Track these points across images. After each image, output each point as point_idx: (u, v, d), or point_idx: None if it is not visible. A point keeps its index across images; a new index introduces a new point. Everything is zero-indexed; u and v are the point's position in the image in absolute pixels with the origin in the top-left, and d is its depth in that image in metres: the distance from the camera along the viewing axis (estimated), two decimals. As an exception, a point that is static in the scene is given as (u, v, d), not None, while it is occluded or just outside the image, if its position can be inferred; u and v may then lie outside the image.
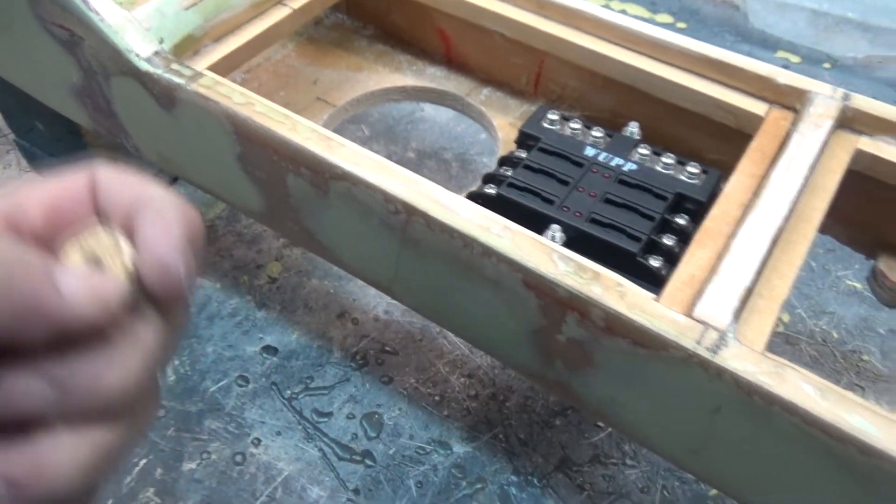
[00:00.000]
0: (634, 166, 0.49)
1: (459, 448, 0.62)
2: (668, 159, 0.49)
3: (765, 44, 1.09)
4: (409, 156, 0.86)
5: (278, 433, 0.62)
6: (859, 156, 0.47)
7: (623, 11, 1.10)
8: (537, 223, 0.46)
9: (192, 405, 0.64)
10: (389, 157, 0.44)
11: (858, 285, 0.76)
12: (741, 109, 0.50)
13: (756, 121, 0.49)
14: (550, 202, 0.47)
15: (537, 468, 0.61)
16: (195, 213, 0.20)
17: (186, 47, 0.51)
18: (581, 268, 0.38)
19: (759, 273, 0.39)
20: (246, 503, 0.58)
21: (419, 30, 0.65)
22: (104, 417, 0.18)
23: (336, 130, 0.55)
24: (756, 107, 0.50)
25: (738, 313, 0.37)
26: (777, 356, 0.35)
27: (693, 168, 0.49)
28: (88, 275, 0.18)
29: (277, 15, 0.55)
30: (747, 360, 0.34)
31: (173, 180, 0.73)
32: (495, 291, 0.41)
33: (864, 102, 0.48)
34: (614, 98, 0.57)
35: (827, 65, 1.06)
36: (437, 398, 0.65)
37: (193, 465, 0.60)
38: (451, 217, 0.40)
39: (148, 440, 0.61)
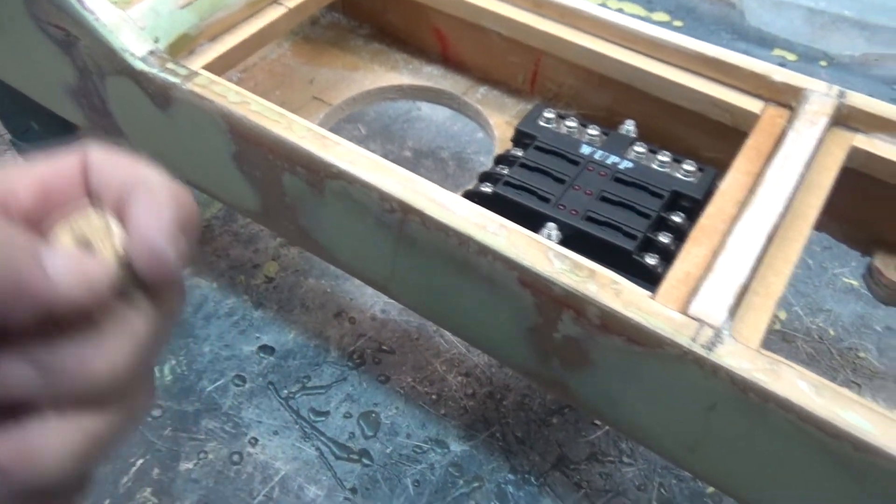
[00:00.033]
0: (630, 164, 0.49)
1: (456, 447, 0.62)
2: (664, 157, 0.49)
3: (761, 42, 1.09)
4: (406, 154, 0.86)
5: (275, 432, 0.62)
6: (855, 153, 0.47)
7: (620, 10, 1.09)
8: (533, 221, 0.46)
9: (189, 405, 0.64)
10: (386, 156, 0.44)
11: (855, 283, 0.76)
12: (737, 107, 0.50)
13: (752, 118, 0.49)
14: (547, 200, 0.47)
15: (534, 466, 0.61)
16: (188, 196, 0.20)
17: (182, 46, 0.51)
18: (576, 266, 0.38)
19: (755, 270, 0.39)
20: (243, 503, 0.58)
21: (415, 28, 0.65)
22: (94, 404, 0.18)
23: (332, 129, 0.54)
24: (752, 104, 0.50)
25: (734, 310, 0.37)
26: (773, 353, 0.35)
27: (689, 166, 0.49)
28: (76, 256, 0.18)
29: (273, 14, 0.55)
30: (742, 357, 0.34)
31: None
32: (491, 289, 0.41)
33: (860, 100, 0.48)
34: (610, 96, 0.57)
35: (823, 63, 1.06)
36: (434, 397, 0.65)
37: (190, 465, 0.60)
38: (447, 215, 0.40)
39: (145, 440, 0.61)
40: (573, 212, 0.47)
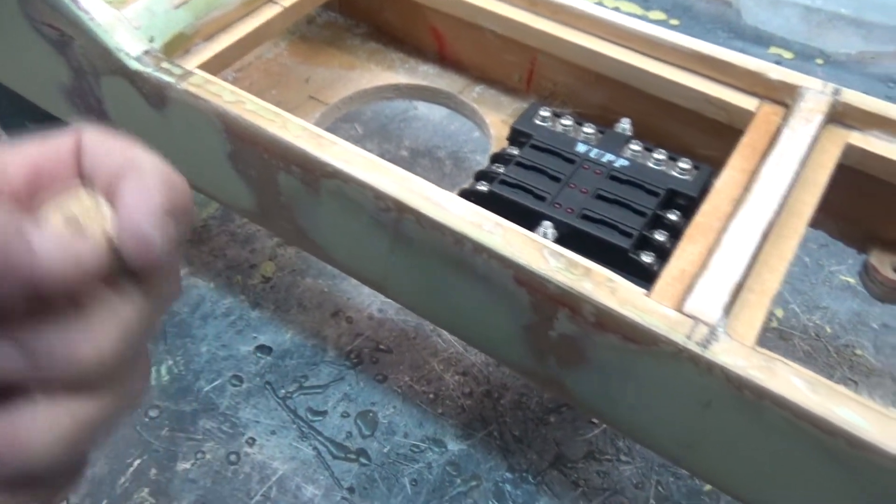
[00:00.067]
0: (626, 162, 0.49)
1: (454, 446, 0.62)
2: (660, 155, 0.49)
3: (758, 40, 1.09)
4: (403, 154, 0.86)
5: (273, 432, 0.62)
6: (850, 150, 0.47)
7: (616, 8, 1.10)
8: (529, 220, 0.46)
9: (187, 405, 0.64)
10: (383, 156, 0.44)
11: (852, 280, 0.76)
12: (732, 105, 0.50)
13: (747, 116, 0.49)
14: (542, 199, 0.47)
15: (532, 465, 0.61)
16: (181, 181, 0.19)
17: (177, 46, 0.51)
18: (572, 264, 0.38)
19: (750, 268, 0.39)
20: (241, 503, 0.58)
21: (412, 28, 0.65)
22: (84, 389, 0.18)
23: (329, 129, 0.54)
24: (747, 102, 0.50)
25: (729, 308, 0.37)
26: (769, 351, 0.35)
27: (684, 164, 0.49)
28: (63, 233, 0.17)
29: (268, 13, 0.55)
30: (737, 355, 0.34)
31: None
32: (487, 288, 0.41)
33: (855, 97, 0.48)
34: (606, 94, 0.57)
35: (820, 61, 1.06)
36: (431, 396, 0.65)
37: (188, 465, 0.60)
38: (443, 214, 0.40)
39: (142, 440, 0.61)
40: (569, 210, 0.47)
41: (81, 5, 0.48)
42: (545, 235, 0.45)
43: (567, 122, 0.52)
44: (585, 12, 0.54)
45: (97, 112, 0.56)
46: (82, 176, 0.19)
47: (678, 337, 0.35)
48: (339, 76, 0.63)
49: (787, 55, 1.07)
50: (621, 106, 0.55)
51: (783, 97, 0.49)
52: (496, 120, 0.60)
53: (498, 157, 0.52)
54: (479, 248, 0.39)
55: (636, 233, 0.45)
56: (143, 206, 0.18)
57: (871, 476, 0.32)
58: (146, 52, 0.49)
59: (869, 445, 0.31)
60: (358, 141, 0.87)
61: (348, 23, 0.69)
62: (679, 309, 0.36)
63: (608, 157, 0.50)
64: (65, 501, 0.57)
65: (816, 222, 0.52)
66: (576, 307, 0.37)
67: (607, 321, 0.37)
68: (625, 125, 0.53)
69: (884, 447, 0.31)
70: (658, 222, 0.47)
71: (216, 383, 0.65)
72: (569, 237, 0.45)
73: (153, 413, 0.63)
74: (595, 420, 0.64)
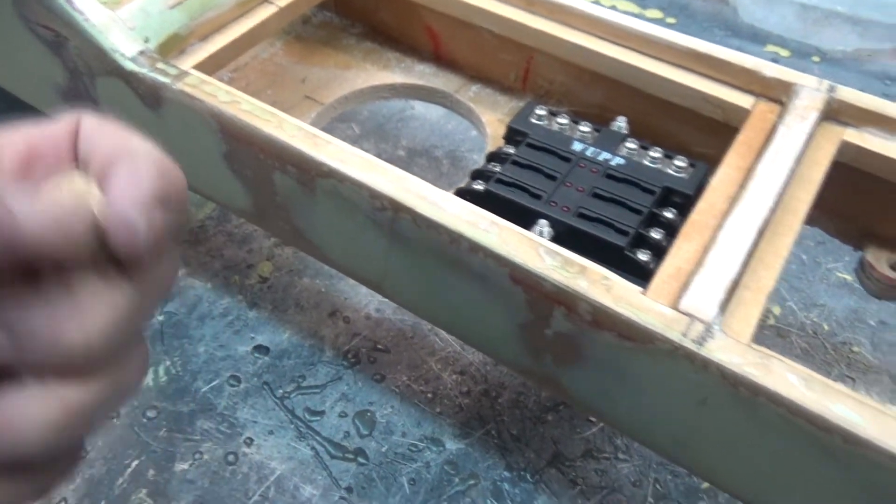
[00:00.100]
0: (622, 161, 0.49)
1: (452, 445, 0.62)
2: (656, 153, 0.49)
3: (754, 38, 1.09)
4: (400, 154, 0.86)
5: (270, 432, 0.62)
6: (845, 147, 0.47)
7: (613, 7, 1.10)
8: (525, 218, 0.46)
9: (184, 405, 0.64)
10: (380, 155, 0.44)
11: (849, 277, 0.76)
12: (728, 103, 0.50)
13: (743, 114, 0.49)
14: (538, 197, 0.47)
15: (530, 463, 0.61)
16: (176, 170, 0.19)
17: (172, 46, 0.51)
18: (567, 262, 0.38)
19: (746, 265, 0.39)
20: (239, 503, 0.58)
21: (407, 27, 0.65)
22: (75, 376, 0.18)
23: (325, 129, 0.54)
24: (743, 100, 0.50)
25: (725, 305, 0.37)
26: (766, 348, 0.35)
27: (680, 162, 0.49)
28: (44, 195, 0.17)
29: (264, 13, 0.55)
30: (733, 352, 0.34)
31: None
32: (483, 287, 0.41)
33: (850, 94, 0.48)
34: (602, 93, 0.57)
35: (816, 58, 1.06)
36: (429, 395, 0.65)
37: (186, 466, 0.60)
38: (438, 213, 0.40)
39: (140, 441, 0.61)
40: (565, 208, 0.47)
41: (76, 6, 0.48)
42: (541, 234, 0.45)
43: (563, 120, 0.52)
44: (581, 11, 0.54)
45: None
46: (78, 160, 0.19)
47: (674, 334, 0.35)
48: (334, 76, 0.63)
49: (784, 53, 1.07)
50: (617, 104, 0.55)
51: (779, 95, 0.49)
52: (492, 119, 0.60)
53: (494, 156, 0.52)
54: (475, 247, 0.39)
55: (632, 231, 0.45)
56: (131, 191, 0.18)
57: (867, 472, 0.32)
58: (141, 53, 0.49)
59: (864, 442, 0.31)
60: (355, 141, 0.87)
61: (344, 23, 0.69)
62: (675, 306, 0.36)
63: (604, 155, 0.50)
64: (63, 501, 0.57)
65: (812, 220, 0.52)
66: (571, 305, 0.37)
67: (603, 319, 0.37)
68: (621, 123, 0.53)
69: (879, 443, 0.31)
70: (654, 220, 0.47)
71: (214, 384, 0.65)
72: (565, 235, 0.46)
73: (151, 414, 0.63)
74: (593, 419, 0.64)
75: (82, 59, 0.51)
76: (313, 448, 0.61)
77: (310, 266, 0.75)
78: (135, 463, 0.60)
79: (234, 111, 0.45)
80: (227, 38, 0.53)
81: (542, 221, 0.46)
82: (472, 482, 0.60)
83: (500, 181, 0.48)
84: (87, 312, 0.18)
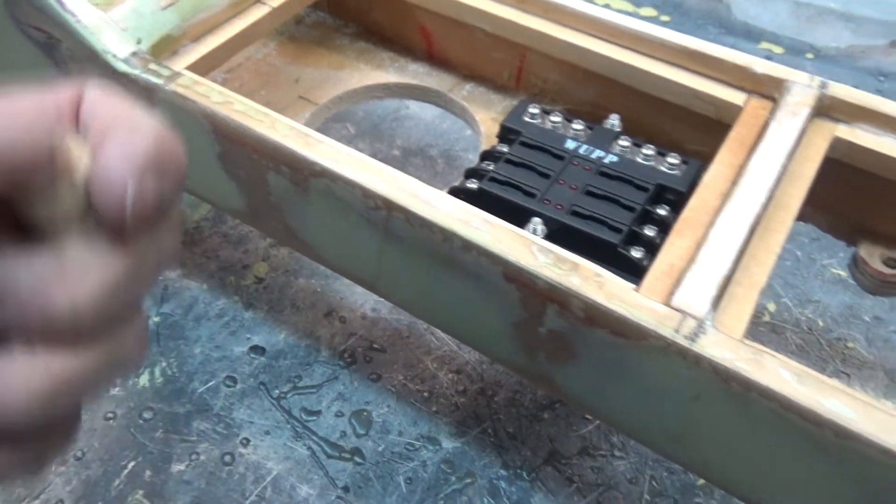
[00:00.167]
0: (615, 158, 0.50)
1: (448, 443, 0.62)
2: (649, 151, 0.49)
3: (748, 35, 1.10)
4: (395, 153, 0.86)
5: (267, 433, 0.62)
6: (837, 143, 0.47)
7: (607, 5, 1.10)
8: (519, 217, 0.46)
9: (180, 406, 0.64)
10: (375, 155, 0.44)
11: (843, 273, 0.76)
12: (720, 100, 0.50)
13: (735, 111, 0.50)
14: (532, 195, 0.47)
15: (526, 462, 0.61)
16: (175, 142, 0.19)
17: (164, 47, 0.51)
18: (560, 259, 0.38)
19: (738, 261, 0.39)
20: (235, 503, 0.58)
21: (401, 27, 0.65)
22: (64, 344, 0.17)
23: (320, 129, 0.55)
24: (735, 97, 0.50)
25: (717, 301, 0.37)
26: (759, 344, 0.35)
27: (673, 159, 0.49)
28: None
29: (256, 14, 0.55)
30: (725, 348, 0.34)
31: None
32: (477, 285, 0.41)
33: (841, 90, 0.48)
34: (595, 91, 0.57)
35: (810, 55, 1.06)
36: (425, 394, 0.65)
37: (182, 467, 0.60)
38: (431, 212, 0.40)
39: (136, 442, 0.61)
40: (558, 206, 0.47)
41: (67, 7, 0.48)
42: (535, 232, 0.45)
43: (556, 118, 0.52)
44: (574, 9, 0.55)
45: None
46: (78, 127, 0.19)
47: (666, 331, 0.35)
48: (328, 76, 0.63)
49: (778, 50, 1.07)
50: (610, 102, 0.56)
51: (770, 91, 0.49)
52: (486, 118, 0.60)
53: (488, 155, 0.52)
54: (468, 245, 0.39)
55: (625, 228, 0.45)
56: (121, 154, 0.17)
57: (859, 467, 0.33)
58: (133, 54, 0.49)
59: (856, 436, 0.31)
60: (350, 141, 0.87)
61: (337, 23, 0.69)
62: (667, 303, 0.36)
63: (597, 153, 0.50)
64: (59, 503, 0.57)
65: (806, 216, 0.52)
66: (564, 302, 0.37)
67: (596, 316, 0.37)
68: (614, 121, 0.53)
69: (871, 437, 0.31)
70: (647, 217, 0.47)
71: (210, 384, 0.65)
72: (559, 233, 0.46)
73: (147, 415, 0.63)
74: (589, 416, 0.64)
75: (75, 60, 0.51)
76: (310, 448, 0.61)
77: (305, 266, 0.75)
78: (131, 464, 0.60)
79: (227, 112, 0.45)
80: (220, 39, 0.53)
81: (536, 219, 0.46)
82: (468, 481, 0.60)
83: (493, 180, 0.48)
84: (76, 278, 0.17)
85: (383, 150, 0.86)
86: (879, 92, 0.57)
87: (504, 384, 0.66)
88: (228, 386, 0.65)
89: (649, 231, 0.46)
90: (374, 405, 0.64)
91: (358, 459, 0.61)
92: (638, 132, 0.52)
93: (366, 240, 0.45)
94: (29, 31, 0.52)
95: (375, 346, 0.68)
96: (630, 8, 1.15)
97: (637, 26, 0.53)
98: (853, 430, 0.31)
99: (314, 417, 0.63)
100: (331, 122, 0.86)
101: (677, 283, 0.37)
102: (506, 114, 0.55)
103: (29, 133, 0.17)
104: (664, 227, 0.46)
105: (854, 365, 0.69)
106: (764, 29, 1.10)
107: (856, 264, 0.53)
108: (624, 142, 0.50)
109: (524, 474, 0.60)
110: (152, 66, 0.48)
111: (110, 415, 0.63)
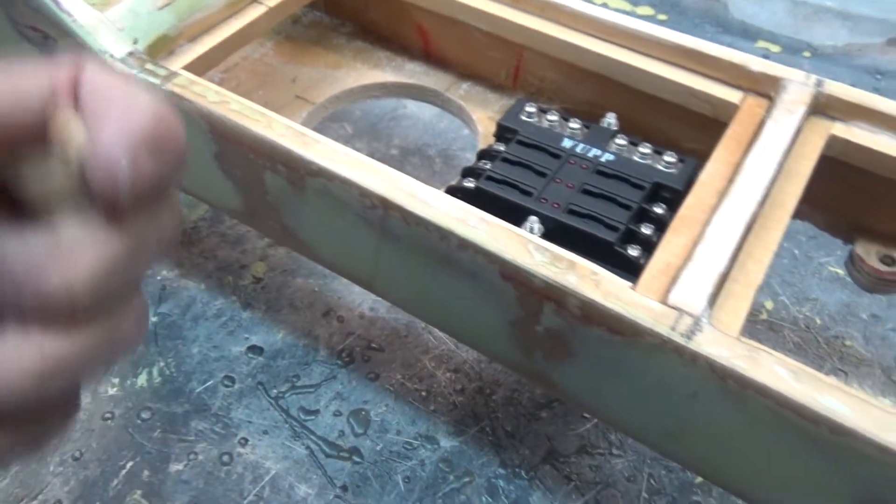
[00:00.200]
0: (612, 157, 0.50)
1: (446, 442, 0.62)
2: (646, 149, 0.49)
3: (745, 34, 1.10)
4: (393, 153, 0.86)
5: (265, 432, 0.62)
6: (833, 141, 0.47)
7: (604, 5, 1.10)
8: (516, 215, 0.46)
9: (178, 406, 0.64)
10: (373, 155, 0.44)
11: (841, 272, 0.77)
12: (717, 98, 0.50)
13: (731, 109, 0.50)
14: (528, 194, 0.47)
15: (524, 460, 0.61)
16: (174, 120, 0.18)
17: (161, 47, 0.51)
18: (556, 257, 0.38)
19: (734, 259, 0.39)
20: (234, 503, 0.58)
21: (398, 26, 0.65)
22: (58, 324, 0.17)
23: (317, 128, 0.55)
24: (731, 95, 0.50)
25: (713, 299, 0.37)
26: (756, 342, 0.35)
27: (670, 157, 0.49)
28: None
29: (253, 13, 0.55)
30: (721, 345, 0.34)
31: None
32: (474, 284, 0.41)
33: (837, 88, 0.48)
34: (592, 90, 0.57)
35: (807, 53, 1.06)
36: (423, 393, 0.65)
37: (180, 467, 0.60)
38: (428, 210, 0.40)
39: (134, 442, 0.61)
40: (555, 205, 0.47)
41: (63, 7, 0.48)
42: (532, 230, 0.45)
43: (553, 117, 0.52)
44: (571, 8, 0.55)
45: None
46: (77, 104, 0.18)
47: (662, 328, 0.35)
48: (325, 75, 0.63)
49: (775, 49, 1.07)
50: (607, 101, 0.56)
51: (767, 89, 0.49)
52: (483, 117, 0.60)
53: (484, 154, 0.52)
54: (465, 244, 0.39)
55: (622, 226, 0.45)
56: (116, 129, 0.17)
57: (855, 464, 0.33)
58: (130, 54, 0.49)
59: (852, 432, 0.31)
60: (348, 140, 0.87)
61: (334, 22, 0.69)
62: (663, 301, 0.36)
63: (594, 151, 0.50)
64: (58, 503, 0.57)
65: (802, 214, 0.52)
66: (561, 301, 0.37)
67: (592, 314, 0.37)
68: (610, 120, 0.53)
69: (866, 434, 0.31)
70: (644, 216, 0.47)
71: (208, 384, 0.65)
72: (555, 232, 0.46)
73: (145, 415, 0.63)
74: (586, 415, 0.64)
75: (71, 60, 0.51)
76: (308, 447, 0.61)
77: (303, 266, 0.75)
78: (129, 464, 0.60)
79: (224, 111, 0.45)
80: (217, 39, 0.53)
81: (533, 218, 0.46)
82: (466, 479, 0.60)
83: (490, 178, 0.48)
84: (71, 258, 0.17)
85: (381, 149, 0.86)
86: (877, 90, 0.57)
87: (502, 383, 0.66)
88: (226, 386, 0.65)
89: (646, 229, 0.46)
90: (373, 404, 0.64)
91: (356, 459, 0.61)
92: (634, 131, 0.52)
93: (362, 239, 0.45)
94: (25, 32, 0.52)
95: (373, 345, 0.69)
96: (627, 7, 1.15)
97: (634, 25, 0.53)
98: (849, 427, 0.31)
99: (312, 417, 0.63)
100: (328, 122, 0.86)
101: (674, 280, 0.37)
102: (503, 113, 0.55)
103: (23, 100, 0.17)
104: (661, 225, 0.46)
105: (851, 363, 0.69)
106: (761, 27, 1.10)
107: (853, 262, 0.53)
108: (620, 140, 0.50)
109: (522, 473, 0.61)
110: (149, 66, 0.48)
111: (108, 415, 0.63)
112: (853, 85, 0.48)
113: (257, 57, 0.65)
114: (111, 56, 0.48)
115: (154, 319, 0.70)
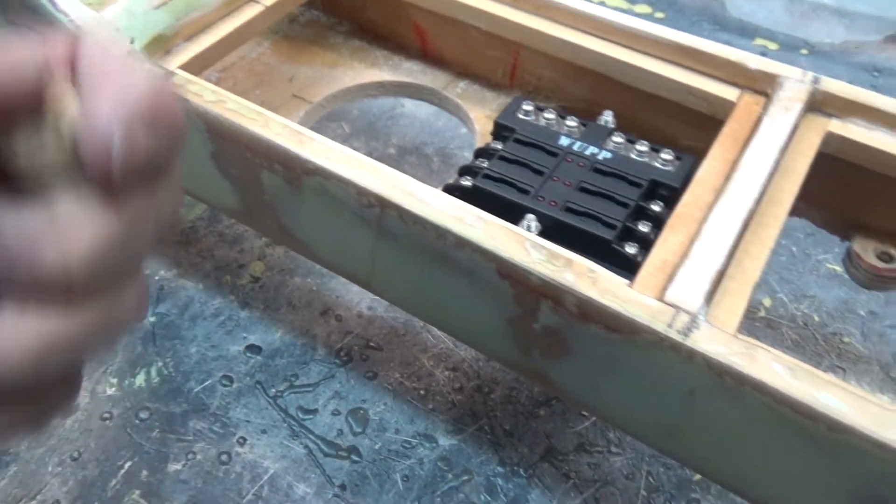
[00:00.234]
0: (609, 154, 0.50)
1: (445, 441, 0.62)
2: (643, 147, 0.49)
3: (743, 32, 1.10)
4: (391, 151, 0.86)
5: (263, 431, 0.62)
6: (830, 138, 0.47)
7: (601, 3, 1.10)
8: (513, 213, 0.46)
9: (177, 406, 0.64)
10: (371, 154, 0.44)
11: (838, 268, 0.77)
12: (714, 95, 0.50)
13: (728, 106, 0.50)
14: (526, 192, 0.47)
15: (523, 458, 0.61)
16: (172, 96, 0.18)
17: (158, 47, 0.51)
18: (553, 255, 0.38)
19: (731, 256, 0.39)
20: (232, 502, 0.58)
21: (395, 25, 0.65)
22: (56, 303, 0.17)
23: (315, 128, 0.55)
24: (728, 92, 0.50)
25: (710, 296, 0.37)
26: (754, 339, 0.35)
27: (667, 155, 0.49)
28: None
29: (250, 12, 0.55)
30: (718, 342, 0.34)
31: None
32: (471, 282, 0.41)
33: (834, 85, 0.48)
34: (589, 88, 0.57)
35: (804, 51, 1.06)
36: (422, 392, 0.65)
37: (179, 466, 0.60)
38: (424, 209, 0.40)
39: (132, 442, 0.61)
40: (552, 203, 0.47)
41: (60, 7, 0.48)
42: (529, 229, 0.45)
43: (550, 115, 0.52)
44: (568, 7, 0.55)
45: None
46: (73, 78, 0.18)
47: (659, 326, 0.35)
48: (322, 74, 0.63)
49: (772, 46, 1.07)
50: (604, 99, 0.56)
51: (763, 87, 0.49)
52: (480, 115, 0.60)
53: (482, 152, 0.52)
54: (462, 242, 0.39)
55: (619, 224, 0.45)
56: (110, 102, 0.16)
57: (853, 460, 0.33)
58: (126, 53, 0.48)
59: (848, 429, 0.31)
60: (345, 139, 0.87)
61: (331, 21, 0.69)
62: (660, 298, 0.36)
63: (591, 149, 0.50)
64: (56, 503, 0.57)
65: (799, 211, 0.52)
66: (558, 298, 0.38)
67: (590, 312, 0.37)
68: (607, 118, 0.53)
69: (864, 430, 0.31)
70: (641, 213, 0.47)
71: (206, 384, 0.65)
72: (553, 230, 0.46)
73: (143, 415, 0.63)
74: (584, 412, 0.64)
75: (68, 60, 0.51)
76: (306, 446, 0.61)
77: (301, 265, 0.75)
78: (128, 464, 0.60)
79: (220, 110, 0.45)
80: (213, 38, 0.53)
81: (530, 216, 0.46)
82: (465, 478, 0.60)
83: (487, 177, 0.48)
84: (67, 234, 0.17)
85: (379, 148, 0.86)
86: (874, 87, 0.58)
87: (500, 381, 0.66)
88: (225, 385, 0.65)
89: (643, 227, 0.46)
90: (371, 403, 0.64)
91: (355, 458, 0.61)
92: (631, 128, 0.52)
93: (360, 238, 0.45)
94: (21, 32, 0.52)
95: (372, 344, 0.69)
96: (624, 5, 1.15)
97: (631, 23, 0.53)
98: (847, 424, 0.31)
99: (311, 416, 0.63)
100: (325, 121, 0.86)
101: (671, 278, 0.38)
102: (500, 111, 0.55)
103: (17, 70, 0.16)
104: (658, 222, 0.46)
105: (849, 359, 0.69)
106: (758, 25, 1.10)
107: (850, 259, 0.53)
108: (617, 138, 0.50)
109: (521, 471, 0.61)
110: (145, 65, 0.48)
111: (106, 415, 0.63)
112: (850, 82, 0.48)
113: (254, 56, 0.65)
114: (107, 55, 0.48)
115: (152, 319, 0.70)
